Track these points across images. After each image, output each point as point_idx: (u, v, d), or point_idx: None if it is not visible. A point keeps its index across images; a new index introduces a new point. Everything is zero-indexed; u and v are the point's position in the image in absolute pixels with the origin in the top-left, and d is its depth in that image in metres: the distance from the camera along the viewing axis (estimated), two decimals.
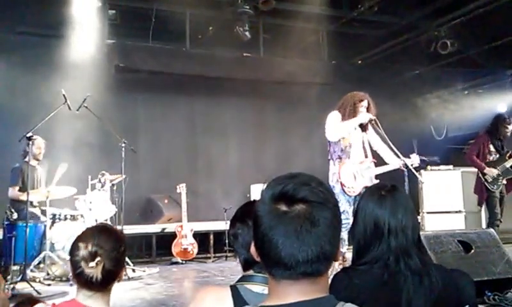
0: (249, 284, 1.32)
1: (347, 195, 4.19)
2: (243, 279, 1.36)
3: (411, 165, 4.26)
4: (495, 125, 5.45)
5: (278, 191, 0.91)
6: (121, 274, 1.53)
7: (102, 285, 1.46)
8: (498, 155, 5.42)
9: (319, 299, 0.90)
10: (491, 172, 5.33)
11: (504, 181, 5.41)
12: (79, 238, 1.50)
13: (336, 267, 3.56)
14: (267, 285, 1.28)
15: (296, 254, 0.87)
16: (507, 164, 5.34)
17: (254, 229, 0.94)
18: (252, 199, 1.52)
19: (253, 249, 0.95)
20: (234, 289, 1.29)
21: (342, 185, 4.17)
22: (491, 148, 5.42)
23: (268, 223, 0.90)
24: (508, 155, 5.40)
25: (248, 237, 1.37)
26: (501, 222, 5.34)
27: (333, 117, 4.32)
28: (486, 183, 5.37)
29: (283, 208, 0.89)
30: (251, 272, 1.36)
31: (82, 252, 1.44)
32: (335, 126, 4.26)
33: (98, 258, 1.43)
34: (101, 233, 1.50)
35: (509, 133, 5.42)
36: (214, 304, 1.25)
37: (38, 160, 5.23)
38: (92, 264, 1.42)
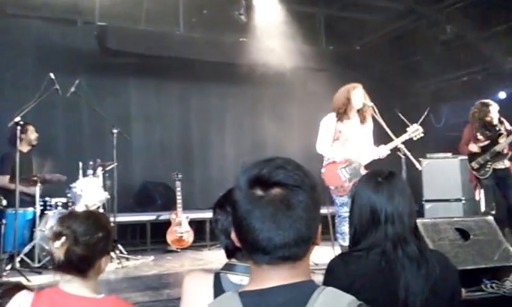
0: (230, 274, 1.34)
1: (339, 196, 4.10)
2: (226, 267, 1.37)
3: (415, 136, 4.17)
4: (475, 113, 5.32)
5: (253, 175, 0.90)
6: (100, 262, 1.47)
7: (78, 270, 1.41)
8: (488, 142, 5.31)
9: (298, 283, 0.90)
10: (473, 148, 5.26)
11: (501, 166, 5.27)
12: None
13: None
14: (247, 275, 1.28)
15: (273, 238, 0.87)
16: (498, 148, 5.22)
17: (232, 215, 0.93)
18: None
19: (233, 235, 0.93)
20: (217, 277, 1.33)
21: (329, 189, 4.07)
22: (478, 136, 5.34)
23: (245, 208, 0.89)
24: (499, 137, 5.23)
25: (227, 223, 1.39)
26: (493, 209, 5.20)
27: (326, 122, 4.19)
28: (473, 171, 5.32)
29: (259, 192, 0.89)
30: (233, 260, 1.37)
31: (49, 232, 1.44)
32: (323, 147, 4.17)
33: (63, 239, 1.39)
34: (78, 216, 1.45)
35: (490, 118, 5.22)
36: (197, 289, 1.31)
37: (33, 145, 5.12)
38: (57, 244, 1.39)
